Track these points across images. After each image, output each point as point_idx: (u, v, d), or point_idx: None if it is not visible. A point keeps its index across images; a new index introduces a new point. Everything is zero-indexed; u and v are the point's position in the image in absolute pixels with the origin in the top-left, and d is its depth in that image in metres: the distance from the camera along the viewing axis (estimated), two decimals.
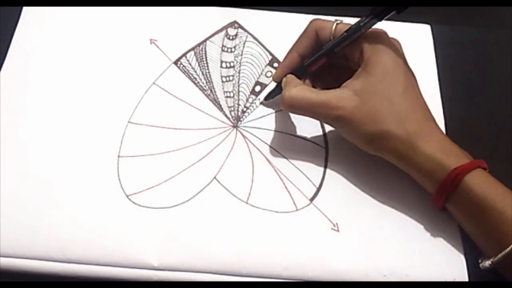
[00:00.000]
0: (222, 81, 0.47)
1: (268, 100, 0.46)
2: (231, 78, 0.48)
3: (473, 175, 0.37)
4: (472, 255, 0.40)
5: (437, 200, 0.39)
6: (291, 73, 0.44)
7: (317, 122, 0.45)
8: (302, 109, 0.41)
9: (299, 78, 0.43)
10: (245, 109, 0.46)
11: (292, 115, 0.46)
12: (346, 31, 0.41)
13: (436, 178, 0.38)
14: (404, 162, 0.40)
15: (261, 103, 0.47)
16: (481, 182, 0.37)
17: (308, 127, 0.45)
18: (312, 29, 0.43)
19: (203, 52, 0.48)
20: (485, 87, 0.48)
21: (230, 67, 0.48)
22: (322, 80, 0.45)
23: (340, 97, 0.40)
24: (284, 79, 0.44)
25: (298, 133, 0.45)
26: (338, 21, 0.43)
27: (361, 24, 0.40)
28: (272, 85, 0.46)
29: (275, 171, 0.43)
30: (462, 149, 0.39)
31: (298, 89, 0.41)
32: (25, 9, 0.49)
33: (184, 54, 0.48)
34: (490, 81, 0.44)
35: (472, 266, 0.39)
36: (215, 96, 0.47)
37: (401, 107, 0.39)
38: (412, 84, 0.41)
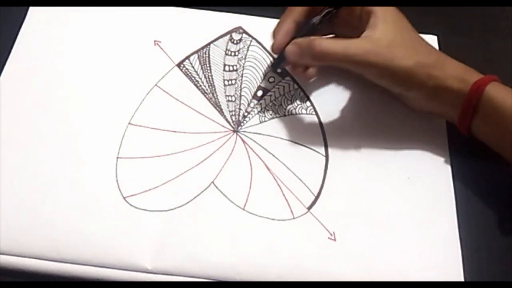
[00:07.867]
0: (224, 85, 0.47)
1: (280, 68, 0.46)
2: (233, 81, 0.47)
3: (492, 86, 0.40)
4: (468, 256, 0.40)
5: (463, 119, 0.42)
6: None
7: (319, 130, 0.45)
8: (334, 54, 0.40)
9: None
10: (246, 113, 0.46)
11: (292, 122, 0.45)
12: None
13: (461, 95, 0.41)
14: (434, 90, 0.41)
15: (273, 71, 0.47)
16: (501, 91, 0.40)
17: (309, 134, 0.45)
18: None
19: (207, 55, 0.48)
20: None
21: (233, 70, 0.48)
22: None
23: (370, 41, 0.41)
24: (294, 45, 0.42)
25: (299, 140, 0.45)
26: None
27: None
28: (274, 89, 0.46)
29: (274, 178, 0.43)
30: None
31: (328, 38, 0.43)
32: (31, 9, 0.49)
33: (188, 57, 0.48)
34: None
35: (468, 266, 0.40)
36: (216, 100, 0.46)
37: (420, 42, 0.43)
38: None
